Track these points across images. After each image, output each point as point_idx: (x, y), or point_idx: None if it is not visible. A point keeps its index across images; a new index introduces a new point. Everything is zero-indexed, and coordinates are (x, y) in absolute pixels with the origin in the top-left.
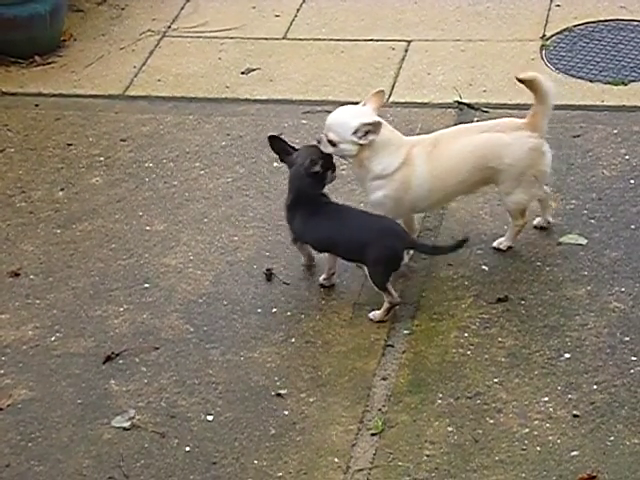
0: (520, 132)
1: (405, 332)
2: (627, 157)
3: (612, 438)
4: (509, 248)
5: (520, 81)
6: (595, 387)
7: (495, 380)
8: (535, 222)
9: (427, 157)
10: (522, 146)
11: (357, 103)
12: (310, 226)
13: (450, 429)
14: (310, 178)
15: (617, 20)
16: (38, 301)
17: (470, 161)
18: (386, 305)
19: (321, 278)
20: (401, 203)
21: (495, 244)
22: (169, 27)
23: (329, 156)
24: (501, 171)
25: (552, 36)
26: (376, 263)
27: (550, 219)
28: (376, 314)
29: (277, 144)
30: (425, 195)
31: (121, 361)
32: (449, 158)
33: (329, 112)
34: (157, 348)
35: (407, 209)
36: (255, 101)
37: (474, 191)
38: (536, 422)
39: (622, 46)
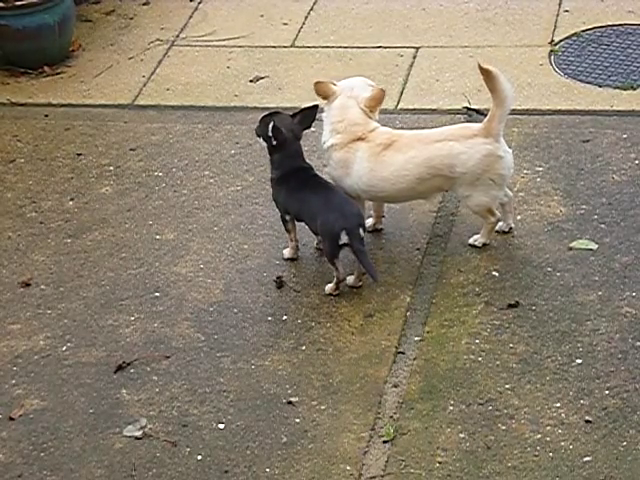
0: (474, 139)
1: (416, 339)
2: (637, 162)
3: (625, 443)
4: (484, 245)
5: (482, 72)
6: (607, 392)
7: (507, 386)
8: (497, 227)
9: (372, 156)
10: (475, 154)
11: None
12: (292, 197)
13: (462, 436)
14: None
15: (625, 25)
16: (49, 311)
17: (416, 172)
18: (334, 280)
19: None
20: (344, 184)
21: (471, 241)
22: (177, 36)
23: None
24: (455, 178)
25: (561, 41)
26: (321, 236)
27: (512, 224)
28: (327, 287)
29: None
30: (365, 188)
31: (132, 370)
32: (394, 166)
33: None
34: (168, 357)
35: (352, 192)
36: (264, 109)
37: (431, 196)
38: (548, 428)
39: (631, 51)
